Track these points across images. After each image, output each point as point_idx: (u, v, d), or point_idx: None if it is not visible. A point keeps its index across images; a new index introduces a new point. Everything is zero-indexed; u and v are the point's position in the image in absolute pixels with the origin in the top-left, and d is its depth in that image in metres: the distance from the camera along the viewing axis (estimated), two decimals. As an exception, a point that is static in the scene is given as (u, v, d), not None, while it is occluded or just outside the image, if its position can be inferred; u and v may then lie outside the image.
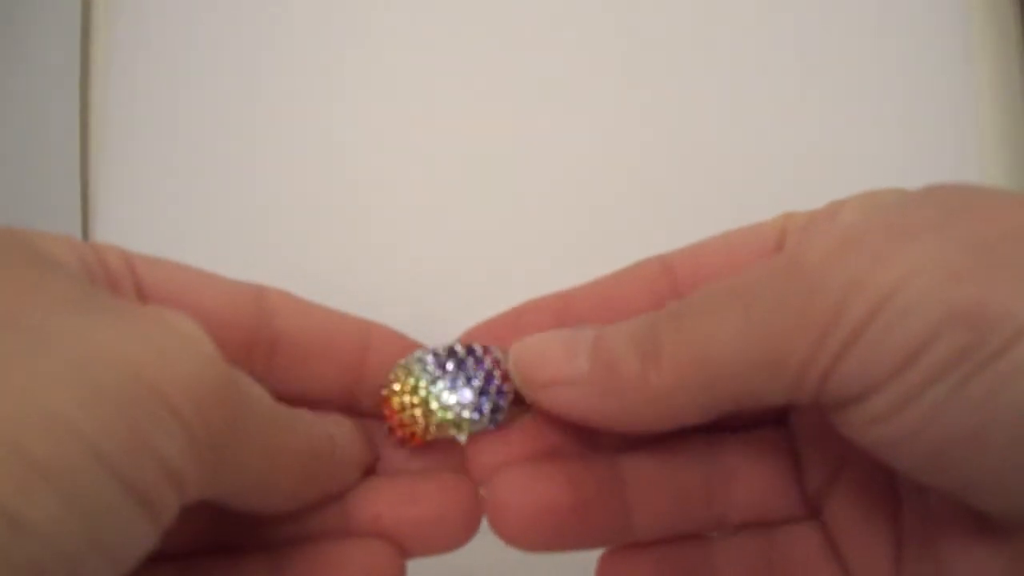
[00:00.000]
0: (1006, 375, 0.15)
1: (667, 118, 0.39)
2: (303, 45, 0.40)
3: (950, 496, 0.17)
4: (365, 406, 0.22)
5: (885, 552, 0.20)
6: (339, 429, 0.21)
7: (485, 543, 0.22)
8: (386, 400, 0.22)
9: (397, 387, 0.22)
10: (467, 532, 0.21)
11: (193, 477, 0.15)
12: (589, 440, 0.22)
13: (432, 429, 0.22)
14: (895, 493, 0.20)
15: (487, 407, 0.21)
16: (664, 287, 0.22)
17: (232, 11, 0.40)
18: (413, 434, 0.22)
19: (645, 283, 0.22)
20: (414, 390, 0.22)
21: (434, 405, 0.21)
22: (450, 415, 0.21)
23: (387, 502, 0.21)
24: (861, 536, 0.21)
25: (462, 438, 0.22)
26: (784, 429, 0.23)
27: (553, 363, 0.20)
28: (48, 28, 0.41)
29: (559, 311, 0.22)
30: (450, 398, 0.21)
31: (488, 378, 0.21)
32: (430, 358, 0.22)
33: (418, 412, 0.21)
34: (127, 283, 0.19)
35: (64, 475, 0.13)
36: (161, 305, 0.17)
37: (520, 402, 0.22)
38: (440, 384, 0.21)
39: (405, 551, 0.21)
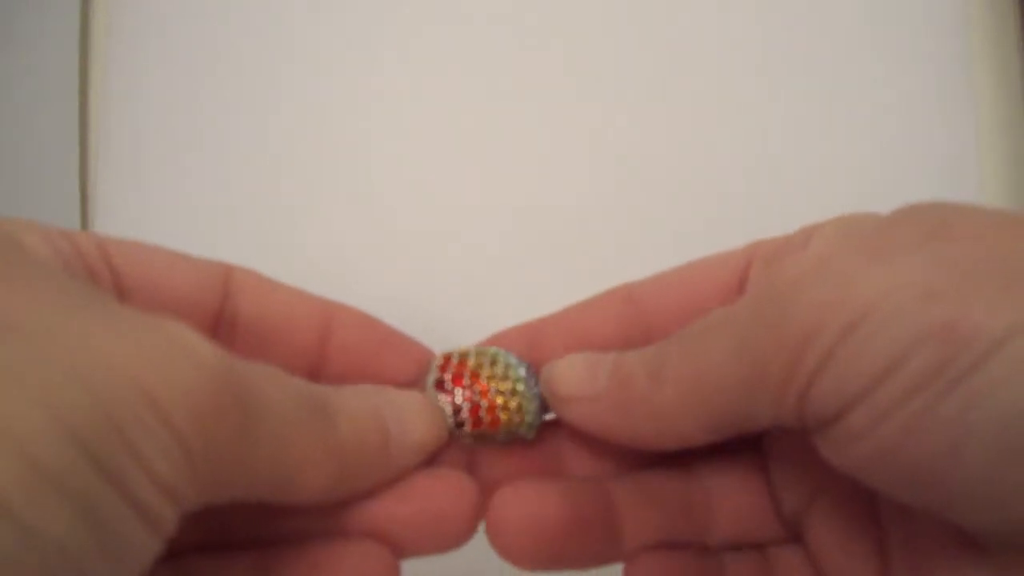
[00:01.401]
0: (979, 391, 0.15)
1: (667, 122, 0.39)
2: (303, 45, 0.40)
3: (932, 515, 0.18)
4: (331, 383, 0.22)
5: (870, 573, 0.20)
6: (401, 410, 0.21)
7: (481, 543, 0.22)
8: (475, 375, 0.22)
9: (507, 378, 0.22)
10: (467, 530, 0.21)
11: (188, 488, 0.15)
12: (581, 466, 0.23)
13: (505, 431, 0.22)
14: (877, 517, 0.21)
15: (541, 418, 0.22)
16: (630, 316, 0.23)
17: (231, 11, 0.40)
18: (496, 417, 0.22)
19: (611, 312, 0.23)
20: (521, 391, 0.22)
21: (528, 404, 0.22)
22: (533, 420, 0.22)
23: (381, 499, 0.20)
24: (843, 559, 0.21)
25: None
26: (758, 453, 0.23)
27: (577, 381, 0.21)
28: (48, 28, 0.41)
29: (530, 339, 0.23)
30: (537, 403, 0.22)
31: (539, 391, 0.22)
32: (524, 368, 0.22)
33: (515, 407, 0.22)
34: (103, 270, 0.19)
35: (69, 482, 0.13)
36: (161, 313, 0.17)
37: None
38: (533, 389, 0.22)
39: (400, 551, 0.20)
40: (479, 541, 0.21)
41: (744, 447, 0.23)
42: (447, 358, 0.22)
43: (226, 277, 0.21)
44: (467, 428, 0.22)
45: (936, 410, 0.16)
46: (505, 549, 0.21)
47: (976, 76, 0.40)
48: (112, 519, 0.14)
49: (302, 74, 0.40)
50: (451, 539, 0.21)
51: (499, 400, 0.22)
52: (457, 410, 0.22)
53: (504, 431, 0.22)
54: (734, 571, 0.22)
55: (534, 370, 0.23)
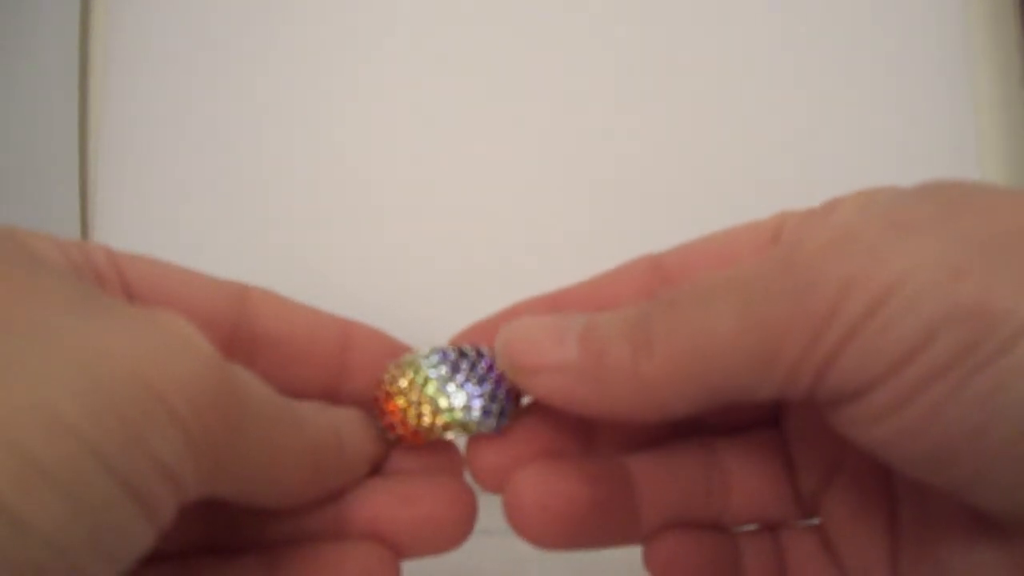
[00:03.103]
0: (1008, 373, 0.15)
1: (667, 119, 0.39)
2: (303, 46, 0.40)
3: (951, 495, 0.17)
4: (348, 404, 0.22)
5: (881, 554, 0.20)
6: (348, 422, 0.21)
7: (484, 543, 0.22)
8: (387, 396, 0.22)
9: (404, 383, 0.21)
10: (463, 533, 0.21)
11: (190, 477, 0.15)
12: (587, 440, 0.22)
13: (438, 429, 0.21)
14: (891, 495, 0.21)
15: (495, 409, 0.21)
16: (656, 287, 0.22)
17: (231, 11, 0.40)
18: (416, 433, 0.22)
19: (637, 283, 0.22)
20: (423, 388, 0.21)
21: (444, 403, 0.21)
22: (461, 415, 0.21)
23: (383, 503, 0.21)
24: (857, 538, 0.21)
25: (455, 438, 0.22)
26: (777, 431, 0.23)
27: (541, 348, 0.19)
28: (48, 28, 0.42)
29: (550, 311, 0.22)
30: (461, 398, 0.21)
31: (498, 380, 0.21)
32: (437, 357, 0.22)
33: (426, 410, 0.21)
34: (114, 281, 0.19)
35: (64, 475, 0.13)
36: (157, 306, 0.17)
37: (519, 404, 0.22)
38: (452, 384, 0.21)
39: (400, 552, 0.21)
40: (476, 544, 0.21)
41: (763, 423, 0.23)
42: (380, 377, 0.22)
43: (241, 296, 0.21)
44: (403, 443, 0.22)
45: (962, 392, 0.15)
46: (524, 529, 0.20)
47: (976, 76, 0.40)
48: (109, 510, 0.14)
49: (303, 75, 0.40)
50: (448, 541, 0.21)
51: (409, 413, 0.21)
52: (383, 429, 0.22)
53: (440, 435, 0.22)
54: (749, 551, 0.22)
55: (485, 355, 0.22)
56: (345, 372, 0.22)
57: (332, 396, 0.22)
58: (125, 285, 0.19)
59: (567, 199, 0.38)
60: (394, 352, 0.23)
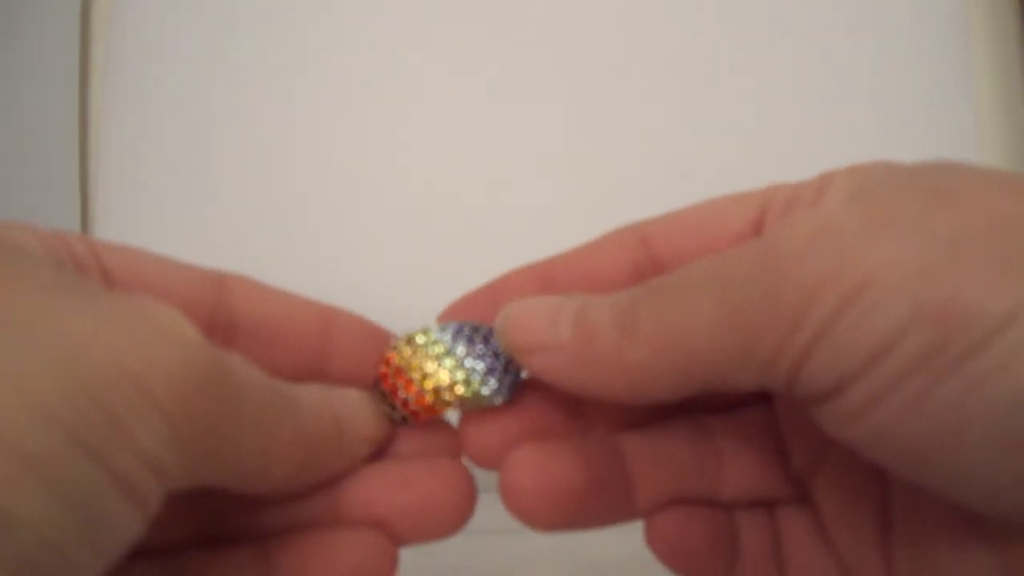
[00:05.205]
0: (978, 377, 0.15)
1: (666, 112, 0.39)
2: (301, 46, 0.40)
3: (935, 492, 0.17)
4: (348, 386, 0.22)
5: (873, 538, 0.20)
6: (348, 405, 0.21)
7: (483, 543, 0.22)
8: (398, 372, 0.21)
9: (417, 356, 0.21)
10: (462, 517, 0.21)
11: (175, 466, 0.15)
12: (579, 417, 0.22)
13: (450, 400, 0.21)
14: (882, 483, 0.20)
15: (504, 381, 0.21)
16: (642, 256, 0.22)
17: (231, 11, 0.40)
18: (429, 407, 0.21)
19: (623, 252, 0.22)
20: (438, 360, 0.21)
21: (459, 375, 0.21)
22: (475, 387, 0.21)
23: (379, 488, 0.21)
24: (847, 520, 0.21)
25: (458, 409, 0.22)
26: (769, 409, 0.23)
27: (537, 329, 0.20)
28: (48, 28, 0.42)
29: (540, 281, 0.22)
30: (474, 370, 0.21)
31: (501, 355, 0.21)
32: (449, 330, 0.22)
33: (443, 380, 0.21)
34: (94, 270, 0.19)
35: (51, 466, 0.13)
36: (143, 294, 0.17)
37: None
38: (465, 357, 0.21)
39: (398, 538, 0.20)
40: (476, 544, 0.21)
41: (754, 401, 0.23)
42: (384, 354, 0.22)
43: (219, 283, 0.21)
44: (410, 421, 0.22)
45: (933, 394, 0.15)
46: (520, 511, 0.20)
47: (976, 75, 0.40)
48: (96, 500, 0.14)
49: (302, 75, 0.40)
50: (447, 526, 0.21)
51: (426, 389, 0.21)
52: (392, 407, 0.22)
53: (450, 409, 0.21)
54: (745, 528, 0.22)
55: (487, 332, 0.22)
56: (326, 358, 0.22)
57: (314, 382, 0.22)
58: (105, 274, 0.19)
59: (563, 193, 0.38)
60: (376, 337, 0.22)
